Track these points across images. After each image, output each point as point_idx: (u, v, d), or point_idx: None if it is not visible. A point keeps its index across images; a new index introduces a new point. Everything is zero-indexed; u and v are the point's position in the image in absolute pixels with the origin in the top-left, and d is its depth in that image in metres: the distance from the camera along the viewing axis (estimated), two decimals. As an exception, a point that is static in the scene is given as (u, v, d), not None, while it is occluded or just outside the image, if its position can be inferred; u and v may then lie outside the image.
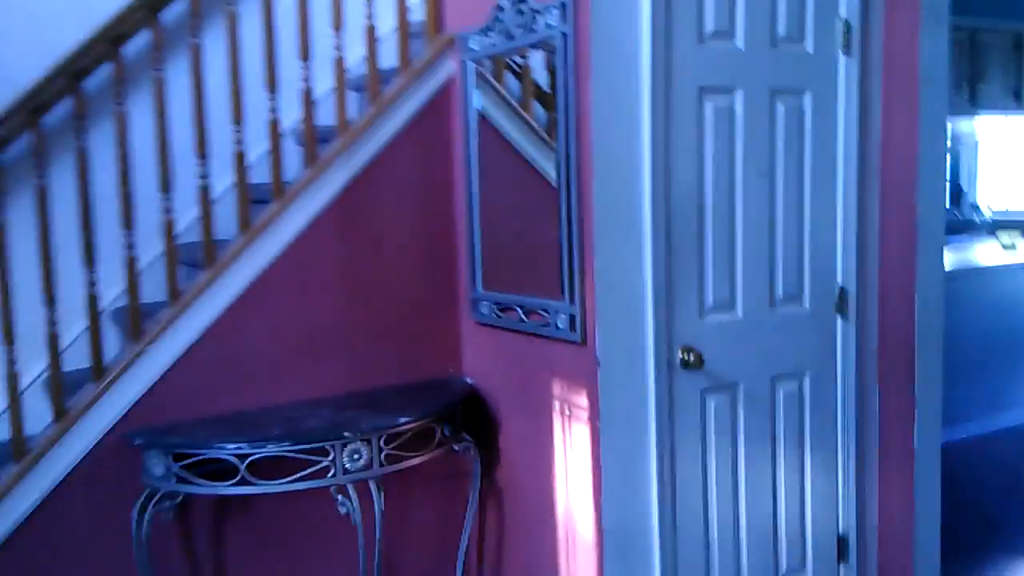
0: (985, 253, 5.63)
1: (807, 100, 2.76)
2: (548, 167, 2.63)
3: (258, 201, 2.84)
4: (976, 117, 5.82)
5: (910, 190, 2.83)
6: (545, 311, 2.68)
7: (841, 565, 2.96)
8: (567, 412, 2.65)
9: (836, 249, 2.85)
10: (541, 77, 2.69)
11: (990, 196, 6.90)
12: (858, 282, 2.86)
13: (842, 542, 2.95)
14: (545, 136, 2.66)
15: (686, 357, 2.60)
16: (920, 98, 2.78)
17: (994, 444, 5.12)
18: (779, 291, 2.77)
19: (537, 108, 2.74)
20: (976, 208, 7.03)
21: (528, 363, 2.81)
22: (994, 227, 6.17)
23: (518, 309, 2.80)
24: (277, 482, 2.48)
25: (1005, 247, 5.48)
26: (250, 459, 2.44)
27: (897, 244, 2.86)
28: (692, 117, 2.57)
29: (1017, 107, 5.51)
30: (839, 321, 2.87)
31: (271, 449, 2.46)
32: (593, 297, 2.48)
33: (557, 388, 2.69)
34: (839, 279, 2.86)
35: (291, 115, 3.02)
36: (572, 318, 2.57)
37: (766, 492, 2.82)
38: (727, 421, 2.72)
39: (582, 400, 2.58)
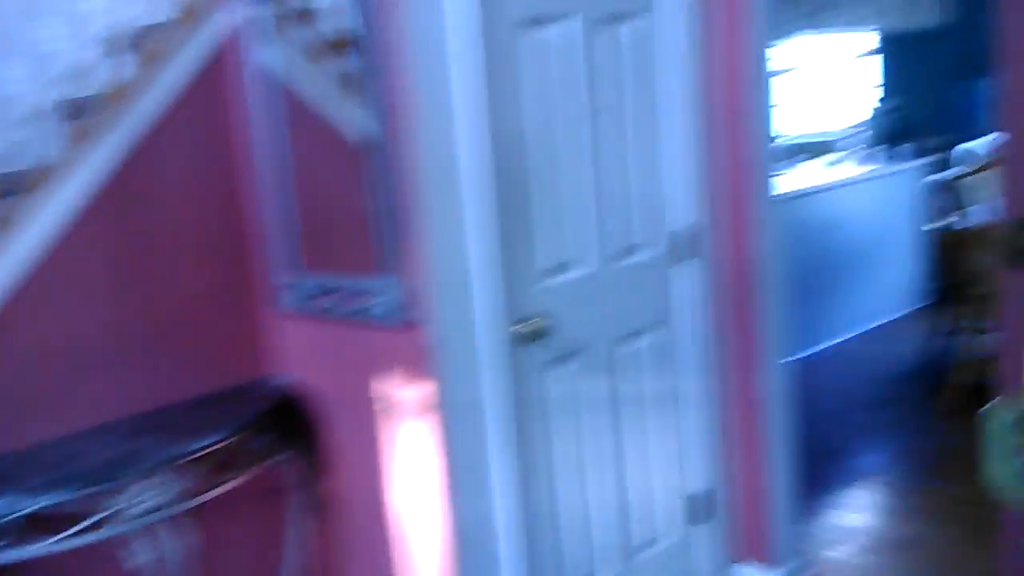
0: (786, 179, 5.73)
1: (634, 26, 2.50)
2: (358, 124, 2.23)
3: (6, 195, 2.26)
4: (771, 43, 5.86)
5: (742, 118, 2.64)
6: (367, 293, 2.29)
7: (702, 525, 2.81)
8: (403, 405, 2.30)
9: (675, 188, 2.64)
10: (342, 22, 2.26)
11: (785, 121, 7.05)
12: (700, 221, 2.67)
13: (703, 501, 2.80)
14: (351, 89, 2.24)
15: (530, 328, 2.31)
16: (746, 17, 2.58)
17: (815, 367, 5.24)
18: (621, 241, 2.54)
19: (342, 60, 2.32)
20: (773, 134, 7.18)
21: (352, 354, 2.42)
22: (790, 152, 6.30)
23: (335, 293, 2.40)
24: (49, 541, 1.99)
25: (810, 169, 5.59)
26: (8, 519, 1.94)
27: (735, 177, 2.68)
28: (514, 52, 2.24)
29: (809, 28, 5.58)
30: (684, 266, 2.68)
31: (36, 503, 1.95)
32: (422, 272, 2.13)
33: (389, 379, 2.33)
34: (680, 221, 2.65)
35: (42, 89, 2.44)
36: (399, 298, 2.21)
37: (628, 462, 2.61)
38: (579, 392, 2.47)
39: (419, 390, 2.24)
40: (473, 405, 2.25)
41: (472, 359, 2.23)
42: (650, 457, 2.69)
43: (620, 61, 2.47)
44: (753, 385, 2.78)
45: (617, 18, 2.46)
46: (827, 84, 6.79)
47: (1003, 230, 1.20)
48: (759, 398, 2.77)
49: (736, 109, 2.62)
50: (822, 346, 5.50)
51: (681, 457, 2.76)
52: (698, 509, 2.80)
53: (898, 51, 6.52)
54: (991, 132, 5.84)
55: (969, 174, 4.96)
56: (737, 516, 2.87)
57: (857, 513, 3.49)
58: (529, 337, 2.31)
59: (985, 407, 0.96)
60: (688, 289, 2.69)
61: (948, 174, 5.23)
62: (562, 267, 2.41)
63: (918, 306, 6.05)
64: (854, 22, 5.86)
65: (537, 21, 2.28)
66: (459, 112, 2.12)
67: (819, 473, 3.77)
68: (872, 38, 6.61)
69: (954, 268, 4.64)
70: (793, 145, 6.30)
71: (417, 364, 2.22)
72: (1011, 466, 0.91)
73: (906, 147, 6.11)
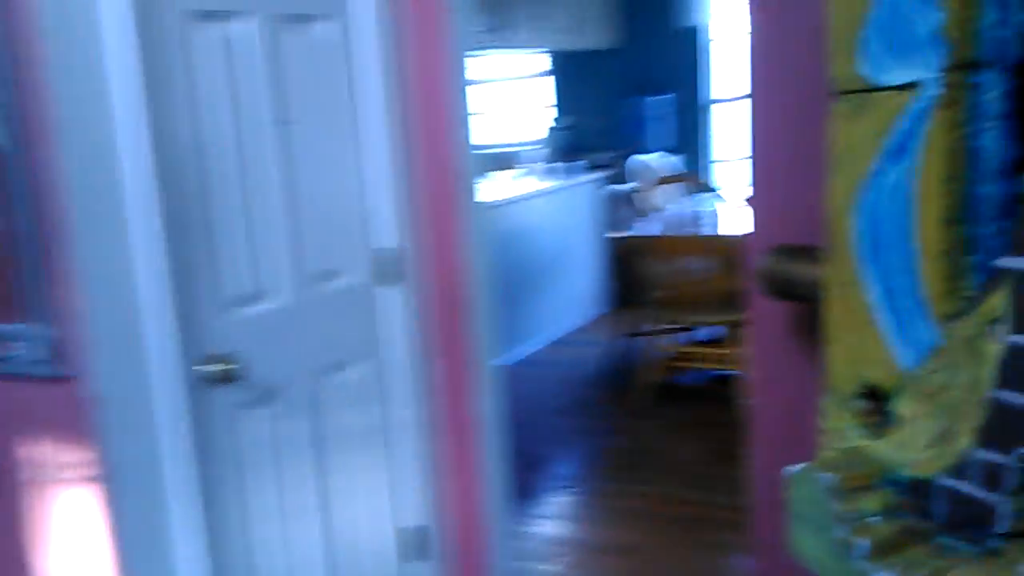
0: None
1: (324, 28, 2.26)
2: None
3: None
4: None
5: (443, 128, 2.51)
6: (5, 339, 1.84)
7: (417, 560, 2.64)
8: (58, 472, 1.88)
9: (377, 204, 2.43)
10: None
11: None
12: (405, 238, 2.49)
13: (418, 535, 2.62)
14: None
15: (218, 368, 1.99)
16: (446, 26, 2.45)
17: (508, 377, 5.29)
18: (320, 264, 2.28)
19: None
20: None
21: (-16, 415, 1.95)
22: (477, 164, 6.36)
23: (-45, 340, 1.91)
24: None
25: (495, 181, 5.67)
26: None
27: (438, 190, 2.54)
28: (186, 49, 1.91)
29: (488, 47, 5.65)
30: (391, 287, 2.48)
31: None
32: (77, 310, 1.74)
33: (37, 441, 1.89)
34: (385, 239, 2.46)
35: None
36: (49, 343, 1.79)
37: (336, 503, 2.36)
38: (279, 434, 2.19)
39: (80, 454, 1.83)
40: (149, 463, 1.89)
41: (145, 410, 1.87)
42: (360, 496, 2.46)
43: (311, 65, 2.22)
44: (467, 407, 2.65)
45: (305, 18, 2.21)
46: (508, 99, 6.98)
47: (762, 259, 1.14)
48: (473, 420, 2.65)
49: (437, 119, 2.48)
50: (514, 356, 5.57)
51: (394, 492, 2.56)
52: (412, 544, 2.62)
53: (571, 71, 6.85)
54: (656, 147, 6.29)
55: (643, 187, 5.28)
56: (455, 545, 2.73)
57: (566, 522, 3.50)
58: (217, 378, 1.99)
59: (793, 470, 0.85)
60: (396, 311, 2.50)
61: (625, 187, 5.54)
62: (254, 296, 2.11)
63: (603, 312, 6.37)
64: (530, 43, 6.05)
65: (212, 15, 1.97)
66: (116, 116, 1.76)
67: (523, 484, 3.75)
68: (546, 59, 6.91)
69: (632, 274, 4.89)
70: (479, 156, 6.35)
71: (75, 421, 1.82)
72: (826, 538, 0.81)
73: (582, 161, 6.42)
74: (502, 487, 2.79)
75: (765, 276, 1.11)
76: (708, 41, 6.52)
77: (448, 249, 2.57)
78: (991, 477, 0.71)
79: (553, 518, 3.53)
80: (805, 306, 1.20)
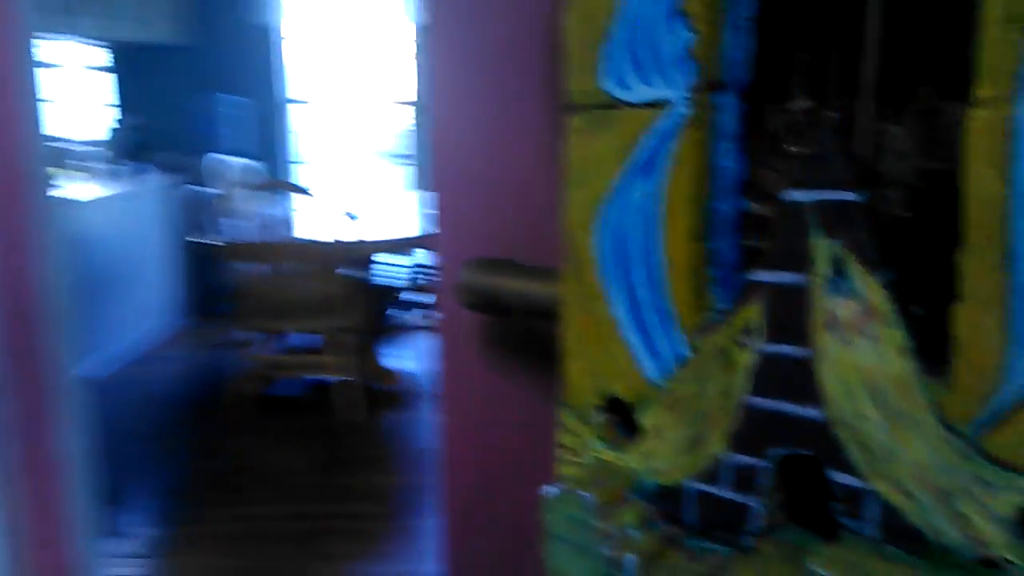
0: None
1: None
2: None
3: None
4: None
5: (11, 121, 2.14)
6: None
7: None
8: None
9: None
10: None
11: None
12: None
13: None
14: None
15: None
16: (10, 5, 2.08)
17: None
18: None
19: None
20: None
21: None
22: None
23: None
24: None
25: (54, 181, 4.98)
26: None
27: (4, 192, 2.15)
28: None
29: (42, 32, 4.94)
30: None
31: None
32: None
33: None
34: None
35: None
36: None
37: None
38: None
39: None
40: None
41: None
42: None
43: None
44: (45, 443, 2.28)
45: None
46: (58, 92, 6.20)
47: (462, 272, 1.10)
48: (53, 457, 2.29)
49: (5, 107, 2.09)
50: (85, 378, 4.96)
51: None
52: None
53: (137, 66, 6.29)
54: (234, 148, 6.02)
55: (225, 190, 5.01)
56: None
57: (165, 559, 3.18)
58: None
59: (549, 492, 0.82)
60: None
61: (205, 191, 5.21)
62: None
63: (186, 323, 5.92)
64: (87, 32, 5.42)
65: None
66: None
67: (111, 522, 3.35)
68: (104, 53, 6.28)
69: (217, 281, 4.63)
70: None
71: None
72: (591, 560, 0.79)
73: (152, 162, 5.92)
74: (91, 530, 2.45)
75: (466, 289, 1.08)
76: (280, 40, 6.39)
77: (16, 258, 2.18)
78: (743, 480, 0.75)
79: (149, 556, 3.19)
80: (503, 320, 1.20)
